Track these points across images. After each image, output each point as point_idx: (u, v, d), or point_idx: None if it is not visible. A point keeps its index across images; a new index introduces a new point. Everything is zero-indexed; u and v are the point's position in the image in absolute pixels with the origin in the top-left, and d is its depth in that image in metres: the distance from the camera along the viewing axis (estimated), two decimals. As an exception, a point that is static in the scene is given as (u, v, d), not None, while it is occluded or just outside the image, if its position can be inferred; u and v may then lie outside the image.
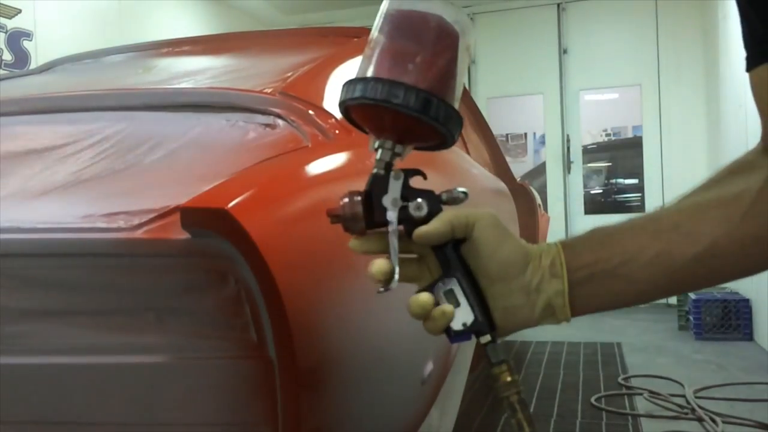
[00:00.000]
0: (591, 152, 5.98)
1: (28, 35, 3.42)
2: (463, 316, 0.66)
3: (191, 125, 1.07)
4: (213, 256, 0.74)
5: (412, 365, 1.14)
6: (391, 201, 0.67)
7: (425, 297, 0.66)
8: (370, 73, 0.66)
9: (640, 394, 2.87)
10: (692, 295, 4.17)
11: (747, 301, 3.99)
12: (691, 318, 4.16)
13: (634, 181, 6.01)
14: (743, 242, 0.65)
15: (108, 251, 0.76)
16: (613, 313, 5.01)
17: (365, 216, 0.67)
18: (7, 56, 3.31)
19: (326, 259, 0.85)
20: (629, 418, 2.59)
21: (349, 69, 1.46)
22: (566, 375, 3.22)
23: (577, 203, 5.60)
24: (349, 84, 0.67)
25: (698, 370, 3.35)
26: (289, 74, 1.28)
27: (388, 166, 0.68)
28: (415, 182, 0.70)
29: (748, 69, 0.68)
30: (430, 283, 0.68)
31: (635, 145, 5.76)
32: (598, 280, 0.67)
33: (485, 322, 0.67)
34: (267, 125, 1.07)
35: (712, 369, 3.36)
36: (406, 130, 0.67)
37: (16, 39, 3.37)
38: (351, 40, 1.69)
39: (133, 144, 1.01)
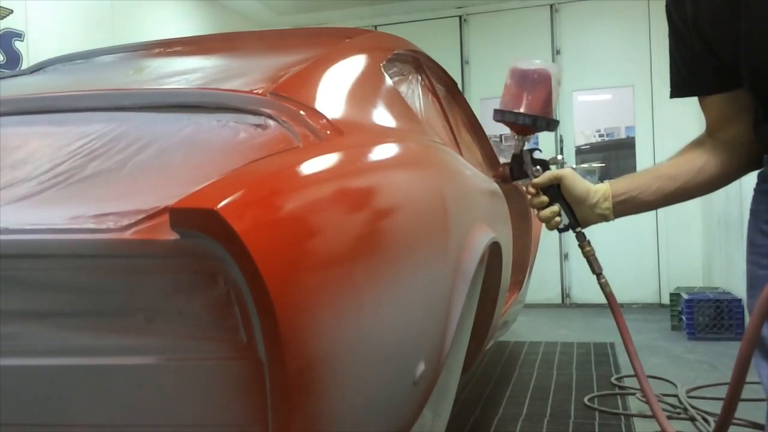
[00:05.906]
0: (584, 153, 5.98)
1: (19, 36, 3.41)
2: (564, 221, 1.33)
3: (182, 126, 1.06)
4: (202, 257, 0.73)
5: (404, 366, 1.14)
6: (528, 167, 1.40)
7: (556, 207, 1.33)
8: (505, 106, 1.38)
9: (633, 394, 2.87)
10: (685, 296, 4.18)
11: (739, 301, 4.00)
12: (683, 318, 4.17)
13: (627, 181, 6.00)
14: (700, 182, 1.22)
15: (97, 252, 0.75)
16: (606, 313, 5.02)
17: (511, 176, 1.45)
18: (-1, 57, 3.30)
19: (316, 259, 0.85)
20: (622, 417, 2.59)
21: (341, 70, 1.46)
22: (559, 375, 3.22)
23: (571, 204, 5.61)
24: (495, 111, 1.40)
25: (691, 369, 3.35)
26: (281, 75, 1.27)
27: (521, 148, 1.42)
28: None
29: (672, 97, 1.28)
30: (545, 206, 1.33)
31: (628, 145, 5.77)
32: (628, 201, 1.27)
33: (575, 222, 1.33)
34: (258, 126, 1.06)
35: (705, 369, 3.37)
36: (526, 131, 1.42)
37: (7, 39, 3.35)
38: (343, 40, 1.68)
39: (123, 144, 1.00)
